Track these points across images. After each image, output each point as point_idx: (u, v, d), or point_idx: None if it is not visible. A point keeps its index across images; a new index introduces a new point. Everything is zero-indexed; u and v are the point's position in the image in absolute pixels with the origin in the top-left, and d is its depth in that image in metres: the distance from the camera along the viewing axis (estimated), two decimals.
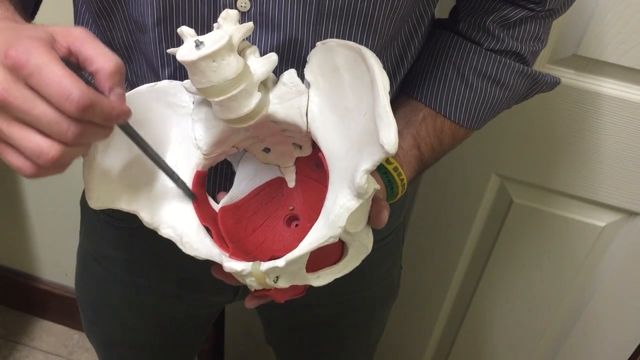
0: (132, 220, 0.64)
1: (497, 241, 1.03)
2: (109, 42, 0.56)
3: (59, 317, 1.55)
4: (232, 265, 0.48)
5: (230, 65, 0.44)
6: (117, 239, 0.69)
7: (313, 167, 0.55)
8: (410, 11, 0.56)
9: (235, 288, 0.71)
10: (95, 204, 0.49)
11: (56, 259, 1.48)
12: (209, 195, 0.56)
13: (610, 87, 0.84)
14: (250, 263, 0.47)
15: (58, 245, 1.43)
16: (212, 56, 0.43)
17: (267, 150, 0.55)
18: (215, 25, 0.46)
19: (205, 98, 0.48)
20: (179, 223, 0.51)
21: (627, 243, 0.96)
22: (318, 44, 0.48)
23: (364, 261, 0.71)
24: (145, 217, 0.51)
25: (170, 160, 0.52)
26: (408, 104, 0.63)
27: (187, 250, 0.50)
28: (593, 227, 0.96)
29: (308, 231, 0.53)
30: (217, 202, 0.56)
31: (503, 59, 0.61)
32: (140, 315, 0.75)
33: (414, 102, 0.63)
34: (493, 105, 0.63)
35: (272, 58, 0.47)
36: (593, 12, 0.78)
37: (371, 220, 0.49)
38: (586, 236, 0.97)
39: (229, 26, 0.45)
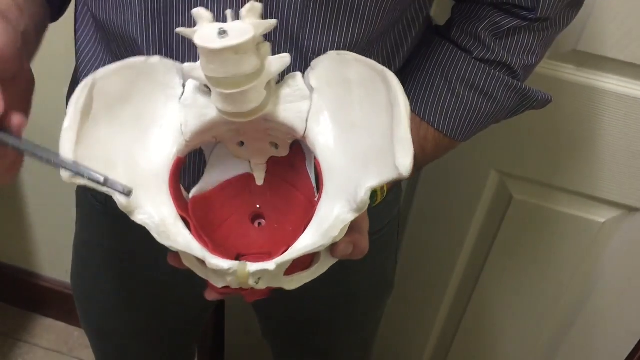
0: None
1: (496, 237, 1.03)
2: None
3: (59, 314, 1.56)
4: (218, 262, 0.47)
5: (250, 60, 0.43)
6: (112, 227, 0.69)
7: (287, 168, 0.54)
8: (400, 4, 0.56)
9: None
10: (69, 179, 0.46)
11: (56, 256, 1.48)
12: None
13: (610, 83, 0.84)
14: (237, 262, 0.47)
15: (58, 242, 1.43)
16: (237, 49, 0.41)
17: (241, 143, 0.53)
18: (228, 12, 0.44)
19: (203, 85, 0.46)
20: (156, 210, 0.49)
21: (627, 239, 0.96)
22: (332, 53, 0.47)
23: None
24: (121, 198, 0.48)
25: (150, 142, 0.49)
26: None
27: (163, 240, 0.48)
28: (593, 223, 0.96)
29: (273, 231, 0.55)
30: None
31: (492, 71, 0.60)
32: (135, 304, 0.75)
33: None
34: (479, 117, 0.62)
35: (286, 59, 0.46)
36: (592, 7, 0.78)
37: (350, 254, 0.50)
38: (586, 232, 0.97)
39: (253, 19, 0.43)
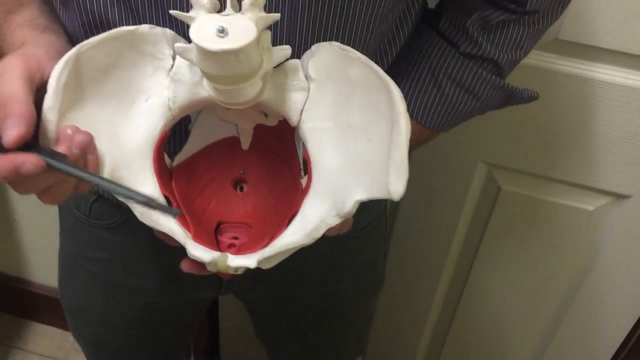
0: (110, 219, 0.65)
1: (486, 229, 1.03)
2: None
3: (53, 320, 1.55)
4: (199, 254, 0.46)
5: (250, 61, 0.40)
6: (97, 239, 0.68)
7: (275, 138, 0.53)
8: (392, 11, 0.54)
9: (218, 283, 0.71)
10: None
11: (47, 261, 1.47)
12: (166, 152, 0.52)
13: (593, 71, 0.83)
14: (218, 255, 0.47)
15: (48, 247, 1.42)
16: (238, 52, 0.39)
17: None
18: (229, 3, 0.41)
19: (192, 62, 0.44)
20: (138, 188, 0.47)
21: (616, 226, 0.96)
22: (335, 45, 0.45)
23: (347, 250, 0.72)
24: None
25: (134, 116, 0.47)
26: None
27: (145, 220, 0.47)
28: (582, 212, 0.96)
29: (255, 200, 0.54)
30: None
31: (479, 70, 0.59)
32: (125, 314, 0.75)
33: None
34: (462, 112, 0.62)
35: (286, 52, 0.44)
36: None
37: (338, 230, 0.49)
38: (575, 220, 0.97)
39: (255, 14, 0.40)
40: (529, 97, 0.64)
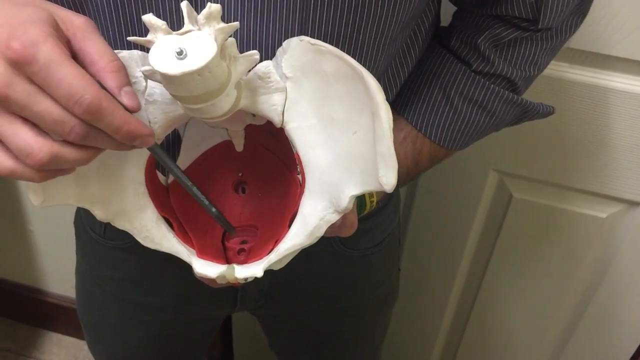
0: (124, 239, 0.65)
1: (498, 237, 1.03)
2: None
3: (68, 329, 1.56)
4: (205, 271, 0.46)
5: (216, 76, 0.39)
6: (112, 258, 0.69)
7: (266, 135, 0.52)
8: (401, 33, 0.54)
9: (233, 300, 0.71)
10: (42, 203, 0.44)
11: (62, 271, 1.48)
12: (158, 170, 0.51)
13: (604, 79, 0.83)
14: (224, 267, 0.47)
15: (63, 257, 1.44)
16: (200, 71, 0.37)
17: None
18: (183, 4, 0.39)
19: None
20: (136, 214, 0.47)
21: (629, 233, 0.95)
22: (305, 40, 0.43)
23: (361, 266, 0.72)
24: (99, 213, 0.47)
25: None
26: None
27: (148, 244, 0.47)
28: (595, 219, 0.96)
29: (258, 201, 0.54)
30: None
31: (492, 86, 0.58)
32: (141, 332, 0.75)
33: (397, 118, 0.61)
34: (477, 130, 0.61)
35: (254, 57, 0.42)
36: None
37: (338, 229, 0.48)
38: (588, 228, 0.97)
39: (213, 25, 0.38)
40: (545, 113, 0.62)
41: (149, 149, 0.42)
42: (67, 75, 0.35)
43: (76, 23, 0.38)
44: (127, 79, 0.39)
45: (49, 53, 0.35)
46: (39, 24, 0.36)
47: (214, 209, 0.48)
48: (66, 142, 0.37)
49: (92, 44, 0.38)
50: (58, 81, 0.35)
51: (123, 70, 0.39)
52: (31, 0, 0.38)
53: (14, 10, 0.37)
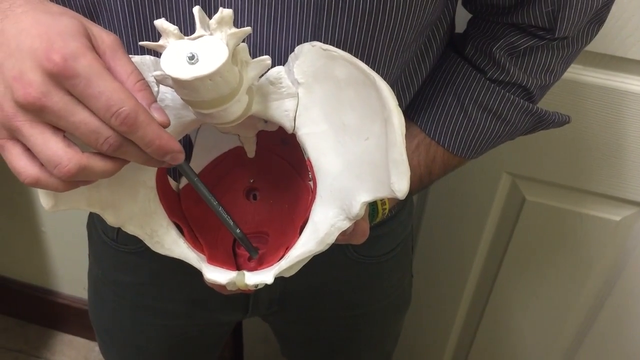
0: (137, 244, 0.65)
1: (511, 240, 1.02)
2: None
3: (79, 330, 1.57)
4: (215, 278, 0.47)
5: (227, 81, 0.39)
6: (124, 263, 0.69)
7: (278, 142, 0.52)
8: (415, 40, 0.53)
9: (244, 306, 0.71)
10: (53, 207, 0.45)
11: (74, 272, 1.49)
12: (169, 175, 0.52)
13: (618, 81, 0.82)
14: (234, 274, 0.47)
15: (75, 259, 1.44)
16: (212, 76, 0.37)
17: None
18: (195, 10, 0.39)
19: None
20: (146, 220, 0.47)
21: None
22: (317, 45, 0.43)
23: (374, 273, 0.71)
24: (109, 217, 0.47)
25: None
26: None
27: (158, 249, 0.48)
28: (608, 222, 0.95)
29: (269, 207, 0.53)
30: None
31: (506, 94, 0.57)
32: (153, 337, 0.75)
33: (410, 125, 0.61)
34: (491, 138, 0.60)
35: (266, 62, 0.42)
36: None
37: (349, 237, 0.48)
38: (602, 231, 0.96)
39: (225, 31, 0.39)
40: (560, 122, 0.62)
41: (177, 166, 0.42)
42: (107, 88, 0.36)
43: (107, 41, 0.39)
44: (154, 97, 0.40)
45: (89, 66, 0.36)
46: (78, 37, 0.37)
47: (238, 230, 0.48)
48: (94, 154, 0.38)
49: (121, 63, 0.39)
50: (98, 94, 0.36)
51: (149, 88, 0.40)
52: (65, 10, 0.39)
53: (50, 19, 0.37)
